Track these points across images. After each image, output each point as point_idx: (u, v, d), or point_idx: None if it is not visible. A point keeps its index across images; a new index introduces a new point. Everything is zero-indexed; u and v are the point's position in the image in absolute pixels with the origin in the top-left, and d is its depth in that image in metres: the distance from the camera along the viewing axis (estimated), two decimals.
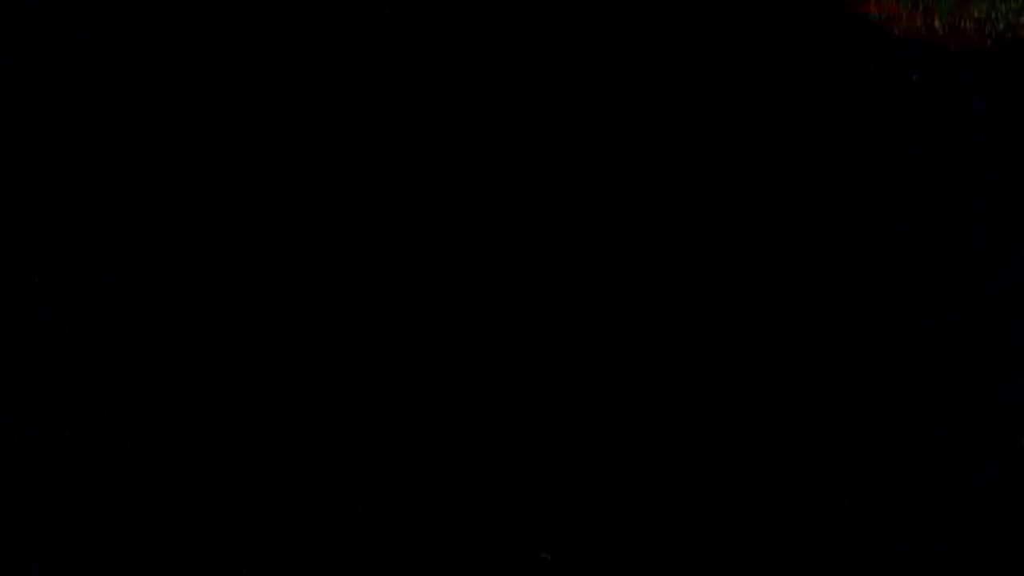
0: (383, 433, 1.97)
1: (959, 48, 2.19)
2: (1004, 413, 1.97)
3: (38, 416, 1.96)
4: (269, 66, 2.24)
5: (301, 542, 1.89)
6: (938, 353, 2.02)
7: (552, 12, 2.27)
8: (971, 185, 2.15)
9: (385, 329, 2.05)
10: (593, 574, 1.87)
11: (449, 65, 2.25)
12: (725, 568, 1.88)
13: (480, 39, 2.26)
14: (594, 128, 2.20)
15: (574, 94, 2.22)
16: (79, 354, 2.02)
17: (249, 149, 2.18)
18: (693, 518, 1.91)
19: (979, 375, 2.00)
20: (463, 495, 1.92)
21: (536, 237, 2.12)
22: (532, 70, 2.24)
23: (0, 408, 1.97)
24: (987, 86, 2.19)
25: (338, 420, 1.98)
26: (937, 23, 2.16)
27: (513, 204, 2.15)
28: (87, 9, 2.24)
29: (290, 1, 2.26)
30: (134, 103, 2.20)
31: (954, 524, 1.90)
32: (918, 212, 2.13)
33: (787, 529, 1.90)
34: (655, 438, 1.96)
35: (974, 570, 1.87)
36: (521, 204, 2.15)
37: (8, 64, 2.21)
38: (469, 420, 1.98)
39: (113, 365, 2.01)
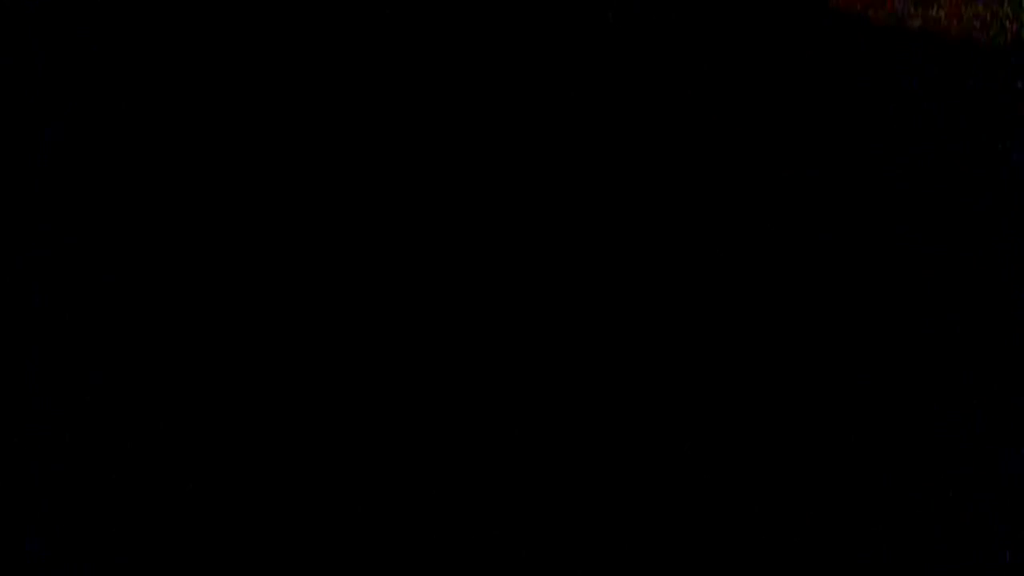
0: (382, 433, 1.97)
1: (961, 39, 2.19)
2: (1004, 413, 1.97)
3: (38, 416, 1.97)
4: (268, 65, 2.24)
5: (301, 542, 1.89)
6: (938, 353, 2.02)
7: (548, 11, 2.27)
8: (971, 185, 2.15)
9: (384, 328, 2.05)
10: (592, 574, 1.88)
11: (448, 63, 2.25)
12: (725, 568, 1.88)
13: (479, 38, 2.27)
14: (590, 129, 2.20)
15: (570, 94, 2.22)
16: (79, 354, 2.02)
17: (247, 148, 2.19)
18: (692, 517, 1.91)
19: (979, 375, 2.00)
20: (462, 494, 1.92)
21: (535, 236, 2.12)
22: (530, 69, 2.25)
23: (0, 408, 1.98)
24: (988, 83, 2.19)
25: (337, 419, 1.98)
26: (940, 13, 2.16)
27: (512, 203, 2.15)
28: (87, 9, 2.25)
29: (289, 1, 2.27)
30: (134, 103, 2.21)
31: (955, 524, 1.90)
32: (918, 212, 2.13)
33: (787, 529, 1.90)
34: (654, 437, 1.97)
35: (974, 570, 1.87)
36: (520, 203, 2.15)
37: (8, 64, 2.21)
38: (468, 419, 1.98)
39: (112, 365, 2.01)
